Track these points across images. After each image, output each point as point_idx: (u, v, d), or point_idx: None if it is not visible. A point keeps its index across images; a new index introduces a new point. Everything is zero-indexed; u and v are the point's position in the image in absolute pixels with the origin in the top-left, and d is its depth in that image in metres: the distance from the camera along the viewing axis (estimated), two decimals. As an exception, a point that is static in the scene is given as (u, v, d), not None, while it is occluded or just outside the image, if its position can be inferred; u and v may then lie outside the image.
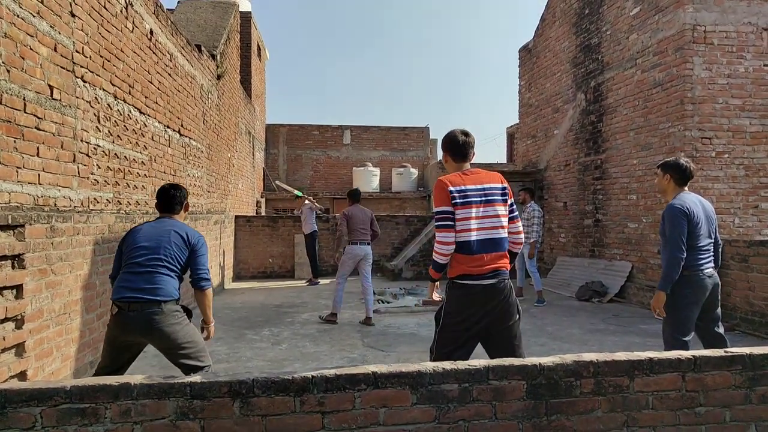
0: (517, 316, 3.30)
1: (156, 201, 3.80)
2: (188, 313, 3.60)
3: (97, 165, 5.06)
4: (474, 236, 3.16)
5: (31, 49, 3.91)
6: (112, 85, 5.43)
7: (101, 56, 5.16)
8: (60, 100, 4.34)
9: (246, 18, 15.88)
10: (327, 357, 5.84)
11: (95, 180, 5.03)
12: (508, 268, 3.26)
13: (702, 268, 3.94)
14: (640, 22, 8.91)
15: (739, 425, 2.78)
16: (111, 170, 5.38)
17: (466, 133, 3.39)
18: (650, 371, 2.70)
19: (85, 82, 4.80)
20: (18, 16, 3.75)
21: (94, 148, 5.01)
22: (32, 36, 3.93)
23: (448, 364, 2.58)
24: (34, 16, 3.95)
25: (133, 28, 5.99)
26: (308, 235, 12.14)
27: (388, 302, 9.19)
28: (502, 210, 3.25)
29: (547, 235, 12.47)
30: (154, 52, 6.72)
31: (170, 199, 3.74)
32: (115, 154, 5.50)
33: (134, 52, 6.03)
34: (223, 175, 11.52)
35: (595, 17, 10.36)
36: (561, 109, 11.85)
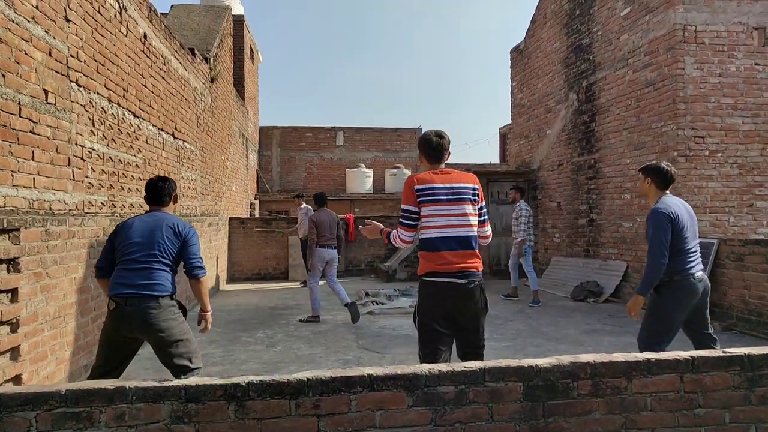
0: (485, 311, 3.38)
1: (145, 194, 3.80)
2: (183, 310, 3.63)
3: (91, 168, 5.06)
4: (439, 233, 3.23)
5: (26, 53, 3.91)
6: (107, 88, 5.43)
7: (96, 60, 5.16)
8: (55, 104, 4.34)
9: (239, 21, 15.88)
10: (322, 359, 5.84)
11: (90, 183, 5.02)
12: (480, 269, 3.32)
13: (692, 271, 3.90)
14: (631, 23, 8.97)
15: (738, 427, 2.75)
16: (105, 173, 5.38)
17: (440, 135, 3.46)
18: (648, 372, 2.68)
19: (79, 86, 4.80)
20: (13, 21, 3.74)
21: (89, 151, 5.00)
22: (27, 41, 3.93)
23: (444, 366, 2.58)
24: (29, 21, 3.95)
25: (127, 33, 5.99)
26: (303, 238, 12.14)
27: (382, 304, 9.20)
28: (470, 209, 3.31)
29: (541, 235, 12.52)
30: (147, 56, 6.72)
31: (159, 191, 3.74)
32: (110, 157, 5.49)
33: (128, 56, 6.03)
34: (217, 178, 11.51)
35: (585, 18, 10.42)
36: (553, 109, 11.90)
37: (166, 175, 7.47)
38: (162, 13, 9.84)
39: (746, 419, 2.77)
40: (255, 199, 18.73)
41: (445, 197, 3.27)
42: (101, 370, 3.47)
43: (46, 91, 4.20)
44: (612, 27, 9.53)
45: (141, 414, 2.34)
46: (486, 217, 3.48)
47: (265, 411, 2.40)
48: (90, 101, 5.03)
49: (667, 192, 4.11)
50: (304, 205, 11.96)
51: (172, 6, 12.82)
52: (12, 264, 3.72)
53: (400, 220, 3.33)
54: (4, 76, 3.64)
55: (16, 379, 3.75)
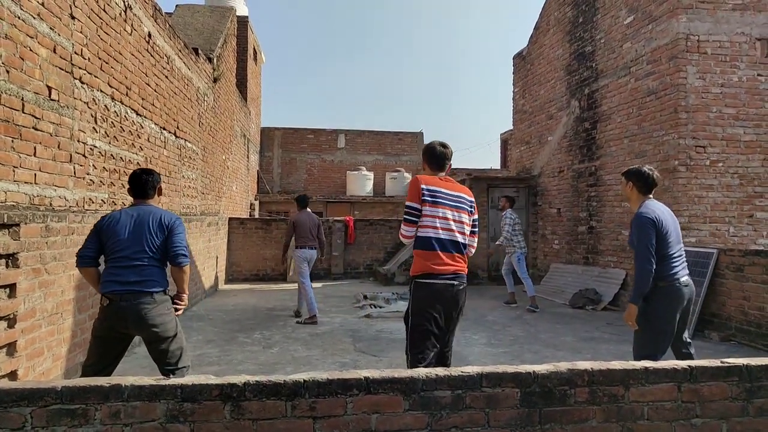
0: (461, 313, 3.65)
1: (128, 187, 3.74)
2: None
3: (93, 165, 5.06)
4: (438, 234, 3.44)
5: (30, 50, 3.92)
6: (110, 86, 5.44)
7: (100, 58, 5.17)
8: (58, 100, 4.34)
9: (243, 22, 15.91)
10: (319, 361, 5.84)
11: (91, 180, 5.03)
12: (466, 272, 3.58)
13: (677, 277, 3.84)
14: (634, 31, 8.99)
15: None
16: (107, 171, 5.38)
17: (444, 145, 3.69)
18: (646, 381, 2.67)
19: (83, 83, 4.81)
20: (19, 17, 3.76)
21: (91, 148, 5.01)
22: (32, 37, 3.94)
23: (441, 371, 2.58)
24: (34, 18, 3.96)
25: (131, 31, 6.00)
26: None
27: (380, 307, 9.19)
28: (467, 219, 3.58)
29: (540, 242, 12.52)
30: (151, 55, 6.73)
31: (143, 184, 3.69)
32: (111, 155, 5.50)
33: (132, 54, 6.04)
34: (218, 178, 11.52)
35: (589, 26, 10.45)
36: (555, 116, 11.92)
37: (167, 174, 7.48)
38: (167, 13, 9.86)
39: (744, 430, 2.75)
40: (255, 199, 18.75)
41: (448, 202, 3.49)
42: (94, 368, 3.46)
43: (49, 88, 4.21)
44: (615, 35, 9.56)
45: (136, 412, 2.33)
46: (477, 230, 3.73)
47: (261, 412, 2.40)
48: (93, 98, 5.04)
49: (650, 196, 4.05)
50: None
51: (176, 5, 12.86)
52: (11, 259, 3.72)
53: (404, 216, 3.53)
54: (8, 72, 3.65)
55: (12, 375, 3.75)
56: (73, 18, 4.60)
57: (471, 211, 3.61)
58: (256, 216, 17.65)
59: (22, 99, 3.82)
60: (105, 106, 5.32)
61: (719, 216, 7.99)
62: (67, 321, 4.68)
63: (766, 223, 8.08)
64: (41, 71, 4.08)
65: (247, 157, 16.75)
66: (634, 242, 3.86)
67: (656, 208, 3.94)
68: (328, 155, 23.05)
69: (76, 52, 4.67)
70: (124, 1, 5.77)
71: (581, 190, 10.75)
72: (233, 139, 13.54)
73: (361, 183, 21.73)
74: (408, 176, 21.85)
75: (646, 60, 8.67)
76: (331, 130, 23.20)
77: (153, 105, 6.82)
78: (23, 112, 3.84)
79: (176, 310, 3.65)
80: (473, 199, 3.66)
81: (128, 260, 3.44)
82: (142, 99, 6.41)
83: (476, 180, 12.69)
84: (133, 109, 6.09)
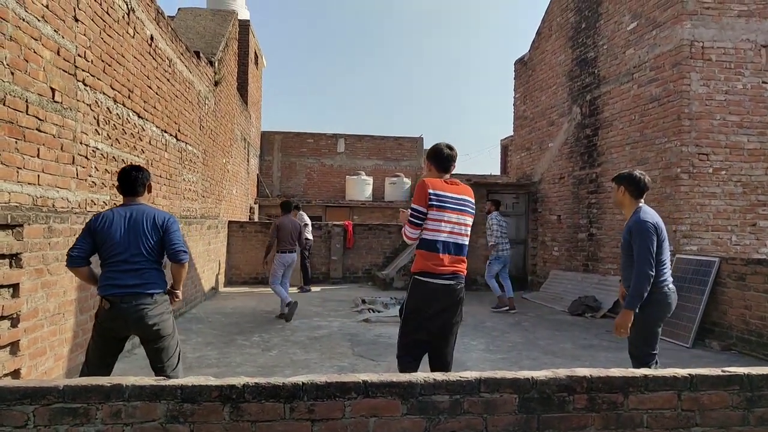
0: (460, 318, 3.72)
1: (117, 184, 3.70)
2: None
3: (95, 167, 5.08)
4: (442, 237, 3.54)
5: (34, 52, 3.94)
6: (112, 89, 5.46)
7: (102, 60, 5.20)
8: (61, 102, 4.37)
9: (244, 26, 15.95)
10: (317, 365, 5.84)
11: (93, 182, 5.05)
12: (465, 273, 3.67)
13: (666, 282, 3.87)
14: (637, 37, 8.99)
15: None
16: (109, 173, 5.40)
17: (450, 148, 3.76)
18: (645, 389, 2.67)
19: (86, 85, 4.84)
20: (23, 19, 3.78)
21: (93, 150, 5.03)
22: (36, 39, 3.96)
23: (439, 375, 2.59)
24: (39, 20, 3.99)
25: (134, 34, 6.03)
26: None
27: (378, 311, 9.18)
28: (469, 221, 3.69)
29: (540, 248, 12.53)
30: (153, 58, 6.76)
31: (133, 181, 3.63)
32: (113, 157, 5.52)
33: (134, 57, 6.07)
34: (218, 181, 11.54)
35: (591, 31, 10.47)
36: (556, 122, 11.94)
37: (168, 176, 7.51)
38: (169, 16, 9.90)
39: (744, 440, 2.74)
40: (255, 203, 18.77)
41: (453, 206, 3.59)
42: (93, 368, 3.48)
43: (53, 90, 4.23)
44: (618, 41, 9.57)
45: (137, 412, 2.35)
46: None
47: (260, 414, 2.41)
48: (96, 101, 5.06)
49: (642, 201, 4.05)
50: (301, 213, 12.44)
51: (179, 9, 12.91)
52: (14, 259, 3.74)
53: (409, 218, 3.59)
54: (13, 73, 3.67)
55: (15, 374, 3.77)
56: (76, 20, 4.62)
57: (472, 213, 3.73)
58: (256, 219, 17.67)
59: (26, 101, 3.84)
60: (107, 108, 5.34)
61: (722, 224, 7.96)
62: (69, 321, 4.70)
63: (769, 231, 8.06)
64: (45, 73, 4.11)
65: (248, 161, 16.78)
66: (635, 248, 3.84)
67: (653, 213, 3.97)
68: (327, 159, 23.09)
69: (79, 55, 4.69)
70: (127, 4, 5.80)
71: (582, 197, 10.76)
72: (234, 142, 13.57)
73: (361, 188, 21.76)
74: (407, 181, 21.88)
75: (649, 66, 8.66)
76: (331, 134, 23.24)
77: (155, 108, 6.84)
78: (27, 114, 3.86)
79: (171, 302, 3.70)
80: (473, 199, 3.76)
81: (126, 264, 3.44)
82: (144, 102, 6.43)
83: (476, 186, 12.64)
84: (135, 112, 6.12)
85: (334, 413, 2.45)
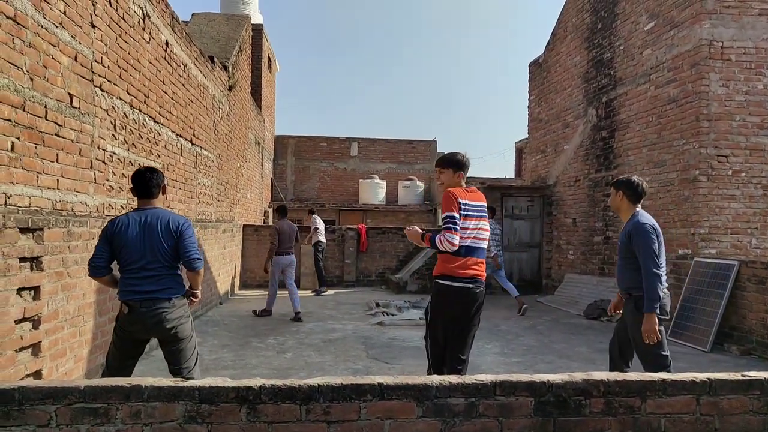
0: (478, 321, 3.90)
1: (131, 186, 3.64)
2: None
3: (112, 172, 5.15)
4: (466, 243, 3.74)
5: (53, 58, 4.00)
6: (129, 94, 5.53)
7: (119, 66, 5.26)
8: (79, 108, 4.43)
9: (258, 30, 16.07)
10: (331, 367, 5.85)
11: (110, 186, 5.11)
12: (484, 277, 3.87)
13: (662, 287, 3.86)
14: (655, 38, 8.88)
15: None
16: (125, 177, 5.46)
17: (463, 155, 3.99)
18: (663, 393, 2.65)
19: (103, 91, 4.90)
20: (42, 26, 3.84)
21: (110, 155, 5.09)
22: (54, 45, 4.02)
23: (454, 378, 2.58)
24: (56, 27, 4.05)
25: (149, 39, 6.10)
26: (314, 246, 12.43)
27: (392, 315, 9.18)
28: (486, 225, 3.92)
29: (555, 252, 12.45)
30: (168, 63, 6.83)
31: (147, 182, 3.57)
32: (130, 161, 5.58)
33: (150, 62, 6.14)
34: (233, 185, 11.61)
35: (608, 32, 10.39)
36: (571, 124, 11.86)
37: (183, 180, 7.57)
38: (183, 21, 10.00)
39: (764, 445, 2.71)
40: (269, 207, 18.87)
41: (473, 214, 3.81)
42: (115, 372, 3.52)
43: (71, 95, 4.29)
44: (635, 42, 9.47)
45: (156, 412, 2.38)
46: None
47: (276, 415, 2.43)
48: (112, 106, 5.13)
49: (639, 206, 4.10)
50: (314, 216, 12.87)
51: (193, 14, 13.03)
52: (35, 262, 3.81)
53: (449, 225, 3.69)
54: (32, 79, 3.73)
55: (37, 374, 3.83)
56: (93, 26, 4.69)
57: (487, 217, 3.96)
58: (270, 223, 17.75)
59: (45, 106, 3.90)
60: (124, 113, 5.41)
61: (741, 227, 7.83)
62: (89, 323, 4.76)
63: (789, 234, 7.92)
64: (63, 79, 4.17)
65: (261, 165, 16.87)
66: (638, 250, 3.86)
67: (650, 217, 4.03)
68: (340, 163, 23.15)
69: (96, 60, 4.76)
70: (142, 10, 5.87)
71: (597, 200, 10.68)
72: (248, 146, 13.66)
73: (374, 191, 21.78)
74: (421, 185, 21.86)
75: (667, 67, 8.54)
76: (344, 138, 23.30)
77: (170, 113, 6.91)
78: (46, 119, 3.92)
79: (190, 303, 3.74)
80: (486, 204, 4.00)
81: (143, 271, 3.46)
82: (160, 107, 6.50)
83: (490, 189, 12.65)
84: (150, 117, 6.18)
85: (350, 415, 2.46)
